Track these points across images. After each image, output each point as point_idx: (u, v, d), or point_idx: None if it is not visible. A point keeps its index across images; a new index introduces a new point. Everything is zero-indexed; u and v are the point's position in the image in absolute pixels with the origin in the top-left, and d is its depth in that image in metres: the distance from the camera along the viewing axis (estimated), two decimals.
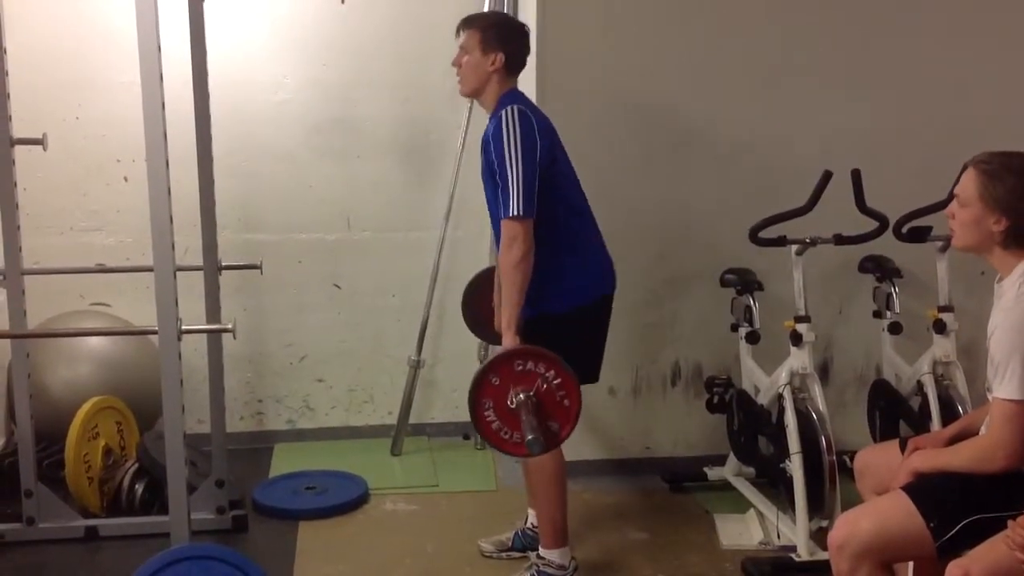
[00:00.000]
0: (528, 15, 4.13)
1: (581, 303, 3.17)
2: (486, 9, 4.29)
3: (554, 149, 3.10)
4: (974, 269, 3.89)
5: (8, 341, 3.75)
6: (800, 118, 4.12)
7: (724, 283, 3.95)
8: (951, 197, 3.51)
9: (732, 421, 3.93)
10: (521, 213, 2.94)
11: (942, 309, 3.77)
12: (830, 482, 3.41)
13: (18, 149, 3.41)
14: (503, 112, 3.01)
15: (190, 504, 2.75)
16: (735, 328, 3.96)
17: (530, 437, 2.75)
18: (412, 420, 4.61)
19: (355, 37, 4.48)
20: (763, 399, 3.77)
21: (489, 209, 3.16)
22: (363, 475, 4.17)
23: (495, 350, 3.15)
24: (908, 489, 2.37)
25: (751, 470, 4.02)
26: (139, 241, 4.33)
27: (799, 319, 3.57)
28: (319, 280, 4.63)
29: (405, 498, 4.06)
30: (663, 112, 4.08)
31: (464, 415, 4.67)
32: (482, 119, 4.45)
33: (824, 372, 4.29)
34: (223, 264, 3.70)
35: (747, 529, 3.71)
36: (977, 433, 2.52)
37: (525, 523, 3.54)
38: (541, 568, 3.21)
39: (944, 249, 3.77)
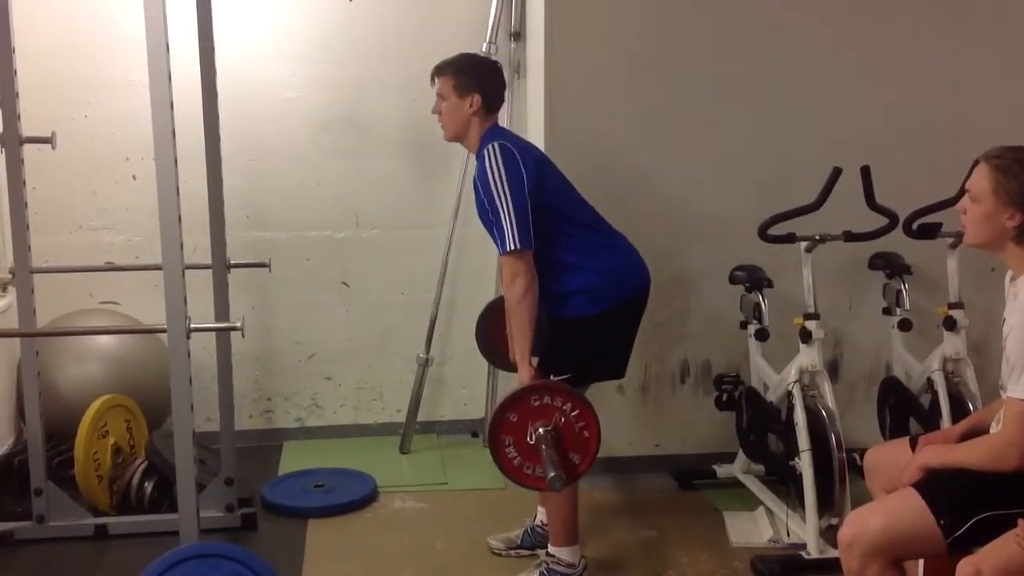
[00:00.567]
0: (536, 15, 4.13)
1: (608, 307, 3.14)
2: (493, 7, 4.30)
3: (542, 174, 3.10)
4: (984, 266, 3.87)
5: (18, 339, 3.77)
6: (809, 115, 4.11)
7: (733, 280, 3.94)
8: (961, 193, 3.51)
9: (741, 419, 3.92)
10: (518, 246, 2.96)
11: (952, 306, 3.76)
12: (840, 480, 3.40)
13: (27, 148, 3.41)
14: (485, 151, 3.05)
15: (199, 502, 2.75)
16: (744, 325, 3.96)
17: (552, 474, 2.78)
18: (421, 418, 4.61)
19: (363, 36, 4.48)
20: (772, 396, 3.76)
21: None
22: (372, 473, 4.17)
23: (506, 378, 3.13)
24: (919, 486, 2.36)
25: (760, 468, 4.02)
26: (148, 239, 4.34)
27: (808, 316, 3.56)
28: (327, 278, 4.64)
29: (414, 496, 4.06)
30: (671, 109, 4.07)
31: (472, 412, 4.74)
32: None
33: (834, 369, 4.28)
34: (231, 262, 3.70)
35: (756, 527, 3.71)
36: (988, 431, 2.51)
37: (534, 521, 3.54)
38: (551, 566, 3.21)
39: (954, 246, 3.76)
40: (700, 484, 4.13)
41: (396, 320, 4.68)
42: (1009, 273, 2.48)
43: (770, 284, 3.83)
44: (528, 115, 4.35)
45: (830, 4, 4.08)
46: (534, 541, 3.48)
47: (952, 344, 3.74)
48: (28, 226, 3.41)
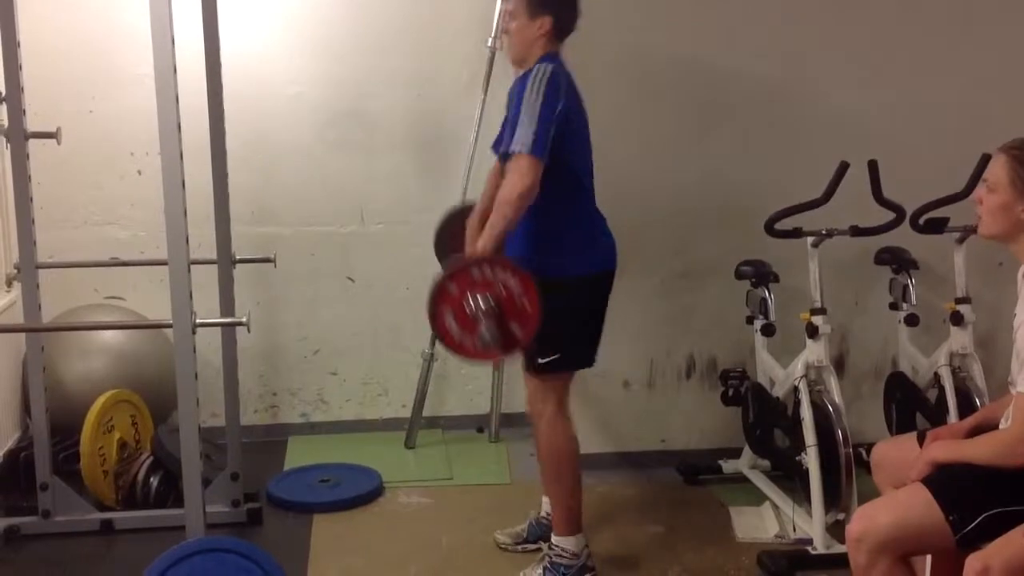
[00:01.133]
0: None
1: (584, 273, 3.14)
2: (498, 2, 4.28)
3: (570, 113, 3.05)
4: (991, 260, 3.86)
5: (23, 335, 3.77)
6: (817, 108, 4.10)
7: (739, 275, 3.93)
8: (970, 188, 3.51)
9: (747, 414, 3.91)
10: (534, 151, 2.90)
11: (959, 301, 3.74)
12: (846, 475, 3.39)
13: (32, 143, 3.41)
14: (536, 67, 3.00)
15: (205, 497, 2.75)
16: (750, 320, 3.95)
17: (483, 329, 2.83)
18: (426, 413, 4.60)
19: (368, 31, 4.48)
20: (778, 392, 3.76)
21: (502, 163, 3.14)
22: (377, 468, 4.17)
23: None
24: (928, 482, 2.35)
25: (766, 463, 4.02)
26: (153, 235, 4.34)
27: (815, 311, 3.56)
28: (333, 273, 4.64)
29: (419, 491, 4.06)
30: (678, 104, 4.06)
31: (478, 408, 4.74)
32: (495, 113, 4.47)
33: (840, 364, 4.27)
34: (237, 257, 3.69)
35: (763, 522, 3.70)
36: (996, 426, 2.50)
37: (539, 513, 3.53)
38: (554, 558, 3.20)
39: (961, 240, 3.74)
40: (706, 479, 4.12)
41: (401, 315, 4.67)
42: (1022, 268, 2.47)
43: (776, 279, 3.82)
44: None
45: None
46: (539, 532, 3.47)
47: (959, 339, 3.73)
48: (33, 221, 3.41)
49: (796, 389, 3.55)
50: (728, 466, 4.13)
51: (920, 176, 3.75)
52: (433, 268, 4.48)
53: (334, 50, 4.47)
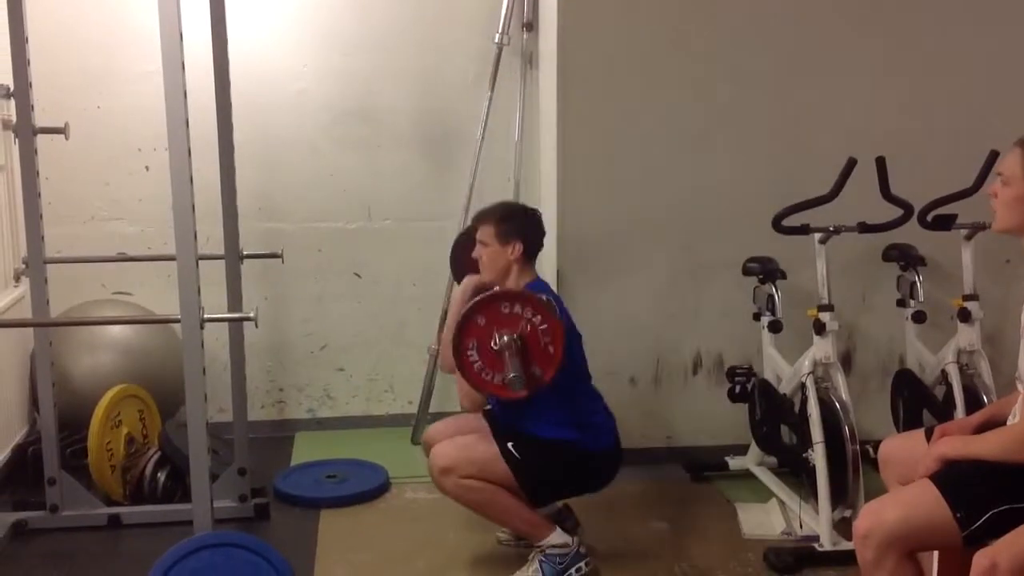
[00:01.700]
0: (549, 6, 4.12)
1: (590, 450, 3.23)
2: (505, 2, 4.30)
3: (573, 339, 3.20)
4: (999, 257, 3.86)
5: (31, 329, 3.78)
6: (825, 106, 4.09)
7: (746, 272, 3.93)
8: (978, 185, 3.50)
9: (754, 410, 3.91)
10: None
11: (967, 298, 3.74)
12: (853, 472, 3.39)
13: (41, 138, 3.42)
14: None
15: (212, 492, 2.76)
16: (757, 317, 3.94)
17: (512, 375, 2.87)
18: (432, 409, 4.61)
19: (375, 27, 4.48)
20: (785, 388, 3.75)
21: None
22: (384, 464, 4.18)
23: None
24: (935, 478, 2.34)
25: (773, 460, 4.02)
26: (160, 230, 4.35)
27: (822, 308, 3.55)
28: (340, 269, 4.64)
29: (426, 487, 4.04)
30: (685, 101, 4.05)
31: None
32: (502, 110, 4.48)
33: (847, 361, 4.27)
34: (244, 253, 3.70)
35: (769, 519, 3.70)
36: (1004, 422, 2.50)
37: None
38: (546, 551, 3.21)
39: (969, 237, 3.74)
40: (712, 476, 4.12)
41: (408, 311, 4.68)
42: None
43: (784, 275, 3.81)
44: (540, 107, 4.35)
45: None
46: None
47: (966, 336, 3.72)
48: (42, 216, 3.42)
49: (803, 386, 3.55)
50: (735, 463, 4.13)
51: (928, 172, 3.74)
52: (441, 265, 4.50)
53: (341, 47, 4.47)
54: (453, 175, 4.55)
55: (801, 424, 3.55)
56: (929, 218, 3.62)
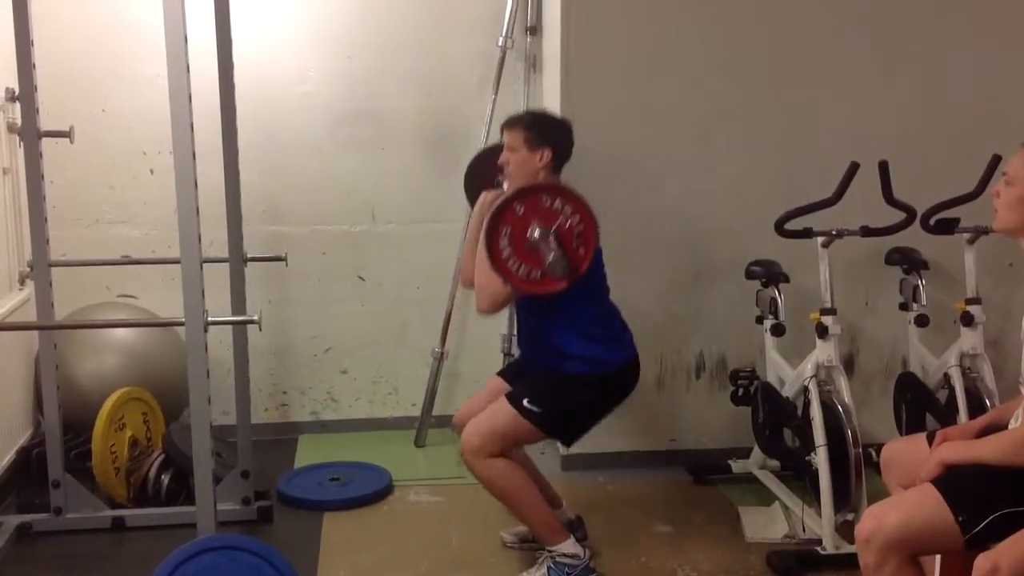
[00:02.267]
0: (552, 9, 4.13)
1: (604, 371, 3.23)
2: (509, 1, 4.30)
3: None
4: (1002, 261, 3.86)
5: (36, 332, 3.79)
6: (828, 109, 4.10)
7: (749, 275, 3.93)
8: (981, 189, 3.51)
9: (757, 414, 3.91)
10: None
11: (969, 301, 3.74)
12: (856, 475, 3.39)
13: (46, 142, 3.42)
14: None
15: (216, 495, 2.76)
16: (760, 320, 3.94)
17: (552, 257, 2.83)
18: (436, 412, 4.61)
19: (379, 30, 4.49)
20: (788, 392, 3.75)
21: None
22: (387, 466, 4.18)
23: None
24: (937, 482, 2.34)
25: (776, 463, 4.01)
26: (165, 233, 4.36)
27: (825, 311, 3.55)
28: (343, 272, 4.65)
29: (429, 489, 4.07)
30: (689, 104, 4.06)
31: None
32: (505, 113, 4.47)
33: (850, 365, 4.27)
34: (248, 256, 3.70)
35: (772, 522, 3.70)
36: (1006, 427, 2.50)
37: None
38: (556, 558, 3.20)
39: (972, 241, 3.74)
40: (715, 479, 4.12)
41: (412, 314, 4.69)
42: None
43: (786, 279, 3.81)
44: (544, 110, 4.35)
45: None
46: None
47: (969, 340, 3.72)
48: (46, 219, 3.43)
49: (806, 389, 3.55)
50: (737, 466, 4.13)
51: (931, 176, 3.75)
52: (445, 267, 4.53)
53: (345, 49, 4.48)
54: (457, 178, 4.50)
55: (804, 427, 3.55)
56: (932, 222, 3.62)
